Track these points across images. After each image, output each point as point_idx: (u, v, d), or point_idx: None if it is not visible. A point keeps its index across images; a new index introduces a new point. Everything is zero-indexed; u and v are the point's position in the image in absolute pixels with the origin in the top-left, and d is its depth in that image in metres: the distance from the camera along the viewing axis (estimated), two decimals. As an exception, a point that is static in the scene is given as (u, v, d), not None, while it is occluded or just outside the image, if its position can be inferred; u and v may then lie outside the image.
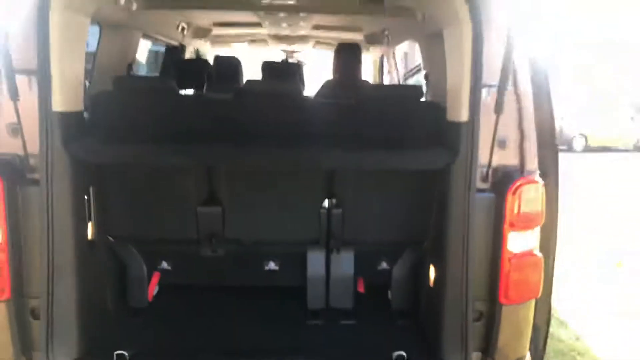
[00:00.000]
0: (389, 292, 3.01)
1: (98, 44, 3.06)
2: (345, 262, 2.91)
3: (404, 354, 2.37)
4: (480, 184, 2.24)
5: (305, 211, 2.83)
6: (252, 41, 5.78)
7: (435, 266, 2.54)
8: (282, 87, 2.81)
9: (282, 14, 3.73)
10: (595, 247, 6.64)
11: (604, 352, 4.04)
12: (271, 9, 3.43)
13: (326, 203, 2.87)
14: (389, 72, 5.48)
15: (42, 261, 2.13)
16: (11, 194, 2.08)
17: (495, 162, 2.24)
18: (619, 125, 19.11)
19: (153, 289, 2.92)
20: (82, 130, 2.31)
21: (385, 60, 5.66)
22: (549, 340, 4.10)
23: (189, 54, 4.93)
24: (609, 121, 18.91)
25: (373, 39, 5.10)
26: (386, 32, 4.55)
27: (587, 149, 18.44)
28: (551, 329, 4.29)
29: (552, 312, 4.64)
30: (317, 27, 4.70)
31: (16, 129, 2.09)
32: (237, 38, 5.67)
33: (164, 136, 2.45)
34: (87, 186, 2.40)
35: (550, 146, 2.49)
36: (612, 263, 6.08)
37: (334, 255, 2.91)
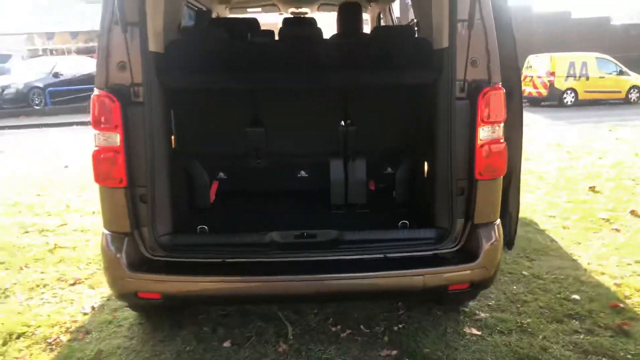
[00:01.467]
0: (394, 192, 3.89)
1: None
2: (359, 168, 3.76)
3: (407, 221, 3.24)
4: (458, 94, 3.02)
5: (327, 129, 3.69)
6: (264, 6, 6.56)
7: (428, 162, 3.40)
8: (309, 32, 3.64)
9: None
10: (573, 178, 7.51)
11: (572, 249, 4.95)
12: None
13: (343, 123, 3.72)
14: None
15: (147, 160, 2.96)
16: (124, 112, 2.89)
17: (469, 77, 3.02)
18: (609, 79, 19.71)
19: (214, 193, 3.79)
20: (166, 65, 3.12)
21: (382, 16, 6.44)
22: (527, 242, 5.06)
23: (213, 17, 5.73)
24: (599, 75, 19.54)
25: (371, -3, 5.89)
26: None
27: (577, 103, 19.11)
28: (531, 235, 5.27)
29: (533, 224, 5.57)
30: None
31: (124, 66, 2.90)
32: (252, 3, 6.46)
33: (222, 69, 3.29)
34: (170, 108, 3.24)
35: (513, 69, 3.32)
36: (585, 188, 6.97)
37: (350, 163, 3.76)
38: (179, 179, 3.36)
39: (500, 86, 3.04)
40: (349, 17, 4.77)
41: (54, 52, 26.81)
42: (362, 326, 3.58)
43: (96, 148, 2.96)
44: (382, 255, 3.06)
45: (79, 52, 25.76)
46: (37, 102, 18.80)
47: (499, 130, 3.07)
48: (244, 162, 3.75)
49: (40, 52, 27.10)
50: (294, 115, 3.63)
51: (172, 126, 3.33)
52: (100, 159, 2.94)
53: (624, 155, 8.94)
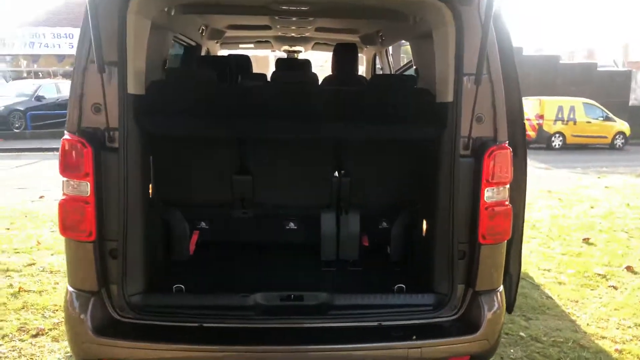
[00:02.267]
0: (388, 247, 3.64)
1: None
2: (352, 222, 3.52)
3: (403, 286, 2.98)
4: (462, 151, 2.82)
5: (319, 180, 3.44)
6: (258, 42, 6.38)
7: (427, 220, 3.16)
8: (303, 76, 3.42)
9: (293, 18, 4.33)
10: (567, 227, 7.33)
11: (569, 307, 4.71)
12: (286, 14, 4.04)
13: (336, 174, 3.49)
14: (382, 68, 6.10)
15: (120, 212, 2.68)
16: (97, 159, 2.62)
17: (474, 133, 2.82)
18: (595, 124, 19.92)
19: (194, 245, 3.51)
20: (145, 109, 2.88)
21: (377, 58, 6.29)
22: (523, 299, 4.81)
23: (202, 54, 5.51)
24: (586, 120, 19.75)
25: (368, 40, 5.73)
26: (380, 34, 5.18)
27: (565, 146, 19.22)
28: (526, 291, 5.01)
29: (528, 278, 5.33)
30: (319, 30, 5.31)
31: (99, 108, 2.65)
32: (245, 40, 6.28)
33: (208, 114, 3.05)
34: (149, 154, 2.98)
35: (519, 123, 3.13)
36: (579, 239, 6.78)
37: (343, 216, 3.52)
38: (155, 231, 3.08)
39: (507, 145, 2.85)
40: (344, 58, 4.60)
41: (39, 74, 26.48)
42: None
43: (63, 197, 2.68)
44: (376, 324, 2.80)
45: (66, 75, 25.46)
46: (17, 125, 18.38)
47: (505, 192, 2.86)
48: (228, 212, 3.49)
49: (25, 74, 26.74)
50: (284, 164, 3.39)
51: (151, 174, 3.06)
52: (67, 209, 2.67)
53: (615, 205, 8.83)
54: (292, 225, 3.67)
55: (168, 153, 3.21)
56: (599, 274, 5.52)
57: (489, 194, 2.80)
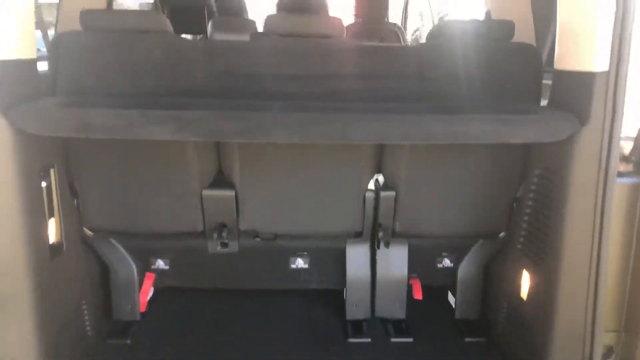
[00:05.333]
0: (450, 297, 2.36)
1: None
2: (396, 260, 2.23)
3: None
4: (621, 166, 1.55)
5: (344, 194, 2.10)
6: None
7: (531, 270, 1.85)
8: (312, 26, 1.99)
9: None
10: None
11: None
12: None
13: (372, 184, 2.14)
14: (420, 14, 4.64)
15: None
16: None
17: None
18: None
19: (146, 297, 2.24)
20: (33, 87, 1.56)
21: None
22: None
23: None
24: None
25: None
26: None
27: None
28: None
29: None
30: None
31: None
32: None
33: (152, 97, 1.72)
34: (44, 166, 1.66)
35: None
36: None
37: (382, 250, 2.22)
38: (65, 294, 1.80)
39: None
40: None
41: None
42: None
43: None
44: None
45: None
46: None
47: None
48: (200, 244, 2.18)
49: None
50: (286, 170, 2.05)
51: (55, 195, 1.73)
52: None
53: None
54: (301, 262, 2.35)
55: (90, 155, 1.88)
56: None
57: None
